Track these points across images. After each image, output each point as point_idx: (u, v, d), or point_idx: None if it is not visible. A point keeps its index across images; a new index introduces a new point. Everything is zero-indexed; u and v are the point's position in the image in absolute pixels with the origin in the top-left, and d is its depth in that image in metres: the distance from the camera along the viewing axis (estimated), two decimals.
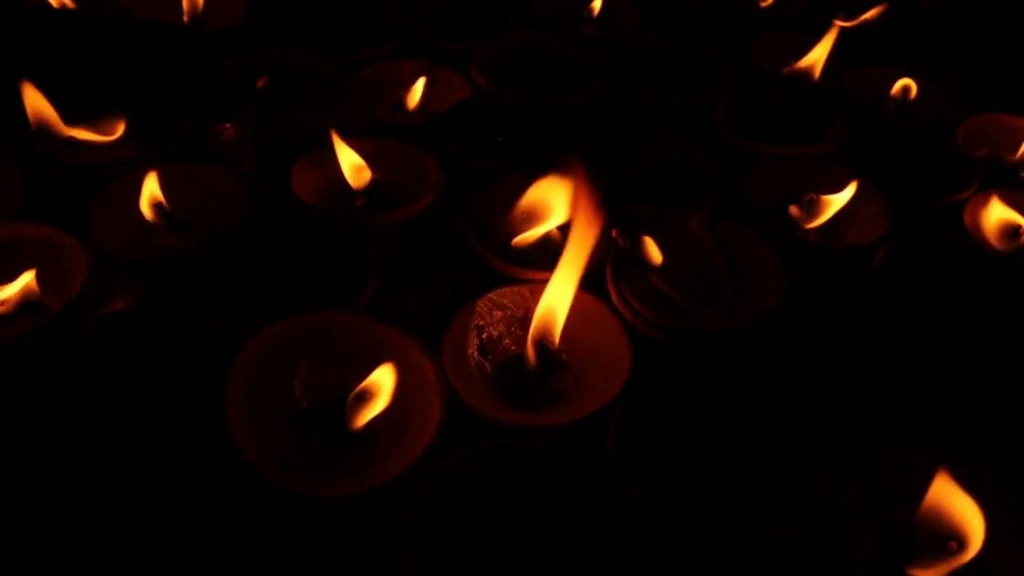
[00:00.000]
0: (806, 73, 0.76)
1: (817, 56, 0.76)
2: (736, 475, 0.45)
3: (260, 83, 0.64)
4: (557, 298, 0.47)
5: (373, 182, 0.61)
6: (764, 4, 0.88)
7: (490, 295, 0.53)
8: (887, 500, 0.44)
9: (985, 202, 0.63)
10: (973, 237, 0.60)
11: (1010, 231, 0.62)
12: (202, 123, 0.65)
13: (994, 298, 0.57)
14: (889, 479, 0.44)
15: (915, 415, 0.51)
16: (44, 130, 0.60)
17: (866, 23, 0.83)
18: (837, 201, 0.60)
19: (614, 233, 0.54)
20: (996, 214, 0.62)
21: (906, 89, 0.76)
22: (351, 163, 0.60)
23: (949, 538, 0.42)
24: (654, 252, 0.54)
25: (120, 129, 0.62)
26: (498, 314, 0.53)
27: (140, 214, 0.56)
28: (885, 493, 0.44)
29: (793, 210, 0.62)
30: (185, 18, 0.77)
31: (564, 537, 0.42)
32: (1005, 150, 0.71)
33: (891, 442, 0.48)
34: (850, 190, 0.60)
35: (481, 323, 0.52)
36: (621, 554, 0.41)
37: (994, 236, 0.62)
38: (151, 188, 0.56)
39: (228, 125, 0.66)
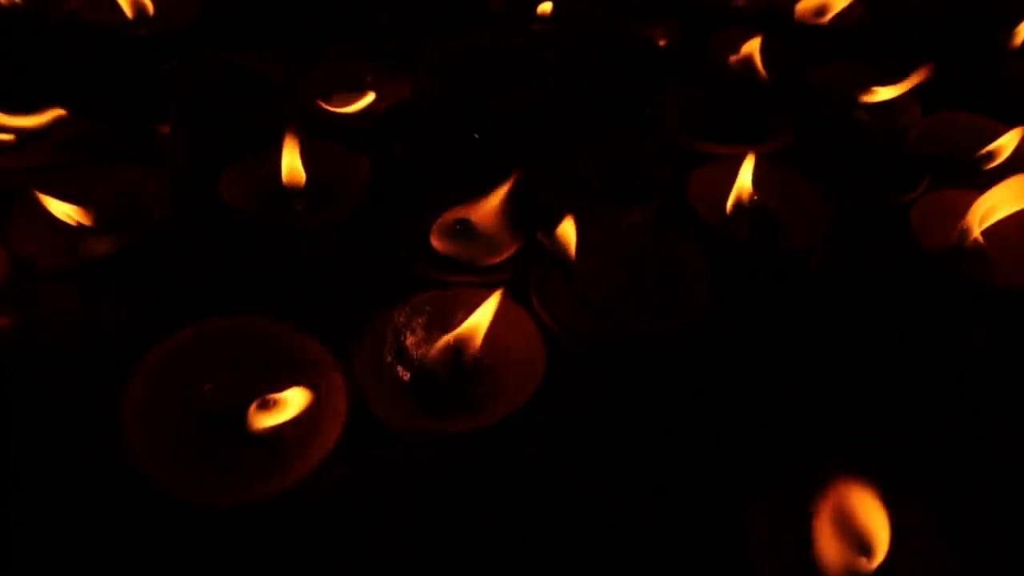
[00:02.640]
0: (757, 69, 0.75)
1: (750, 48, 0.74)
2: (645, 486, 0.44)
3: (193, 83, 0.63)
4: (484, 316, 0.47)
5: (309, 184, 0.61)
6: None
7: (411, 300, 0.52)
8: (796, 515, 0.42)
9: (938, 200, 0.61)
10: (917, 238, 0.58)
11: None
12: (140, 125, 0.65)
13: (933, 302, 0.55)
14: (800, 493, 0.42)
15: (843, 423, 0.50)
16: None
17: (825, 19, 0.81)
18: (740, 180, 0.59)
19: (539, 235, 0.53)
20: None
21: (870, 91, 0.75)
22: (289, 165, 0.60)
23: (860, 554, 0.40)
24: (576, 252, 0.52)
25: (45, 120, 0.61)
26: (419, 319, 0.52)
27: (64, 218, 0.56)
28: (795, 508, 0.42)
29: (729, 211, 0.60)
30: (130, 16, 0.76)
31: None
32: (962, 149, 0.69)
33: (811, 453, 0.47)
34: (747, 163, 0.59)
35: (401, 328, 0.51)
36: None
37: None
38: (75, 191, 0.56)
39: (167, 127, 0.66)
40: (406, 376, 0.50)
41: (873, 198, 0.63)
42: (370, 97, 0.68)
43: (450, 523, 0.45)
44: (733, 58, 0.77)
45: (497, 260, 0.54)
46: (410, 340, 0.51)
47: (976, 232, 0.59)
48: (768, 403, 0.51)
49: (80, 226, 0.56)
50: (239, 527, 0.43)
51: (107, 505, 0.44)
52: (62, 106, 0.63)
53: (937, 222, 0.60)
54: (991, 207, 0.56)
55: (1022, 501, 0.45)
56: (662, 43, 0.82)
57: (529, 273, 0.52)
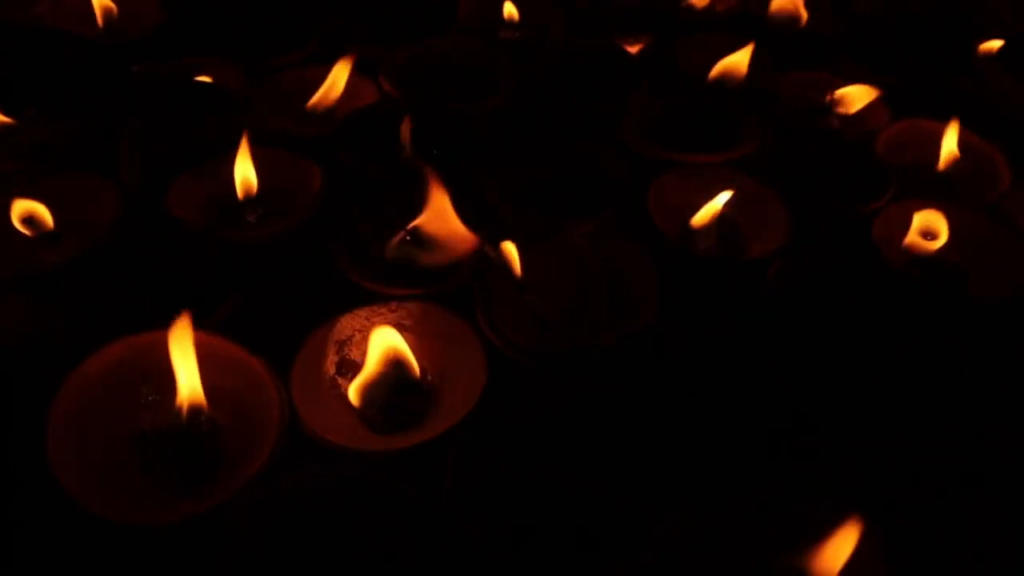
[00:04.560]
0: (728, 77, 0.74)
1: (738, 60, 0.73)
2: (576, 507, 0.43)
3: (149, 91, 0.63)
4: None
5: (263, 195, 0.60)
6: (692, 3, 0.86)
7: (354, 312, 0.51)
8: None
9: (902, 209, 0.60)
10: (879, 249, 0.57)
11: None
12: (96, 132, 0.64)
13: (895, 316, 0.54)
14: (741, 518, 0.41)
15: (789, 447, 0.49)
16: None
17: (798, 26, 0.80)
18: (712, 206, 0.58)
19: (486, 247, 0.52)
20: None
21: (838, 97, 0.73)
22: (241, 175, 0.59)
23: None
24: (523, 266, 0.52)
25: None
26: (361, 333, 0.51)
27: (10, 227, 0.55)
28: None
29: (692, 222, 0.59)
30: (100, 24, 0.76)
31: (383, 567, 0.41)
32: (929, 158, 0.68)
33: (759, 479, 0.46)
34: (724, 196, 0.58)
35: (343, 341, 0.50)
36: None
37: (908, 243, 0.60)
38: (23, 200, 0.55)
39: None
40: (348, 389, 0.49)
41: (837, 207, 0.62)
42: None
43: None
44: (717, 67, 0.76)
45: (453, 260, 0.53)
46: (354, 352, 0.50)
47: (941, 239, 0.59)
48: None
49: (30, 236, 0.55)
50: (168, 545, 0.42)
51: (34, 524, 0.43)
52: (13, 113, 0.62)
53: (900, 232, 0.60)
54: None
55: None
56: (632, 50, 0.81)
57: (473, 285, 0.51)
